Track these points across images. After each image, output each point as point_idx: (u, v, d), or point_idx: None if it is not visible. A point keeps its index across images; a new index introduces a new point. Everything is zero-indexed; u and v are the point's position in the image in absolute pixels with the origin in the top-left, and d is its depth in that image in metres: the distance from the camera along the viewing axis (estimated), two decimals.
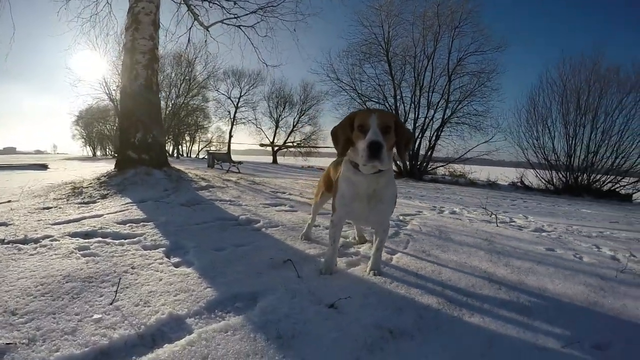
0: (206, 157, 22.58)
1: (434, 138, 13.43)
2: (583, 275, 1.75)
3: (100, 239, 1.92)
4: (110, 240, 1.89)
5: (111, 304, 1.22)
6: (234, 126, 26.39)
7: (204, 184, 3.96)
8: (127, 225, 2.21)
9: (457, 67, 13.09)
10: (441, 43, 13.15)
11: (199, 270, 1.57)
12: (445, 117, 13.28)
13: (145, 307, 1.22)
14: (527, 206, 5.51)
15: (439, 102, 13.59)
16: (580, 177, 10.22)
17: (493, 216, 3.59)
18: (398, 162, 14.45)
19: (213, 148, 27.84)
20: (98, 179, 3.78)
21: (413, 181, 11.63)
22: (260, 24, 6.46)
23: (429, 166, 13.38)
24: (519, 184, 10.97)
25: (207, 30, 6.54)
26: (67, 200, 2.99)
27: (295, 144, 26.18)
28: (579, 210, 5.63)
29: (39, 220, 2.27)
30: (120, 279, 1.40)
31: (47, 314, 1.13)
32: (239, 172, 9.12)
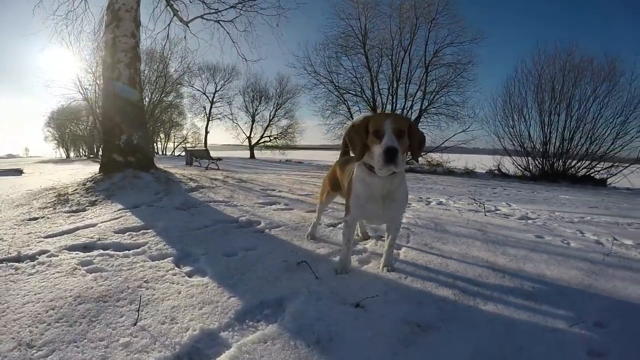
0: (182, 154, 21.94)
1: None
2: (574, 260, 1.92)
3: (101, 251, 1.84)
4: (113, 252, 1.82)
5: (135, 324, 1.19)
6: (210, 122, 26.22)
7: (193, 184, 3.85)
8: (127, 234, 2.13)
9: (433, 59, 13.49)
10: (418, 35, 13.48)
11: (216, 278, 1.56)
12: (423, 107, 13.65)
13: (172, 324, 1.19)
14: (508, 194, 5.85)
15: (416, 93, 13.94)
16: (556, 164, 10.76)
17: (481, 206, 3.79)
18: None
19: (189, 145, 27.33)
20: (83, 184, 3.59)
21: None
22: (240, 19, 6.31)
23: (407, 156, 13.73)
24: (496, 171, 11.50)
25: (187, 26, 6.33)
26: (54, 209, 2.83)
27: (272, 138, 26.24)
28: (558, 196, 6.02)
29: (28, 234, 2.12)
30: (140, 296, 1.34)
31: (69, 343, 1.08)
32: (218, 169, 8.90)
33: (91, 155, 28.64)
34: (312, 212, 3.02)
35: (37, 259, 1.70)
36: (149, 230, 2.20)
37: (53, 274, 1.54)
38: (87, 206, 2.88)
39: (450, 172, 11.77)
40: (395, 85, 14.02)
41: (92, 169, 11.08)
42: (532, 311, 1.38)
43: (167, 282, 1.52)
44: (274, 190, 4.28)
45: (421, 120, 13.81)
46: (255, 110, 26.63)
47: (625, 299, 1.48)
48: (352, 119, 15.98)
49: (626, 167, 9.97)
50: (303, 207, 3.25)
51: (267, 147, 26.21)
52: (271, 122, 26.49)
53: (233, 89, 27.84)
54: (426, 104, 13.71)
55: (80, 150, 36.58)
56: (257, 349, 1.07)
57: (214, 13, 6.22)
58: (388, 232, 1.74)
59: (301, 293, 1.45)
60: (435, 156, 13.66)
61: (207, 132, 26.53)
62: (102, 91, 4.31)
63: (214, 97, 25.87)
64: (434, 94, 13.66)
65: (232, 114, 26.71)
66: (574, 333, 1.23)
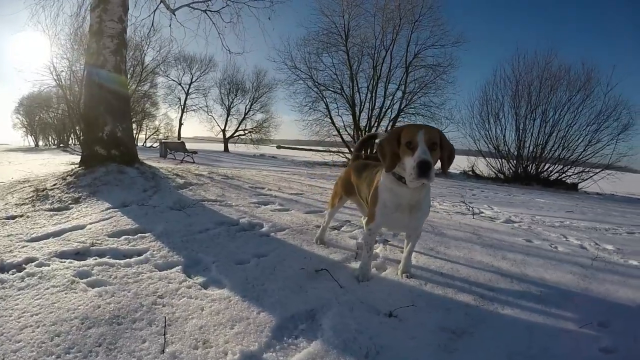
0: (155, 146, 20.91)
1: (389, 127, 14.10)
2: (567, 265, 2.11)
3: (97, 259, 1.69)
4: (113, 261, 1.68)
5: (163, 351, 1.09)
6: (185, 113, 26.07)
7: (181, 181, 3.64)
8: (122, 238, 1.97)
9: (414, 60, 13.82)
10: (400, 35, 13.69)
11: (237, 291, 1.50)
12: (402, 107, 13.98)
13: (207, 348, 1.11)
14: (487, 196, 6.24)
15: (395, 92, 14.24)
16: (529, 167, 11.49)
17: (469, 209, 3.99)
18: (352, 149, 14.96)
19: (161, 136, 26.47)
20: (63, 178, 3.28)
21: None
22: (227, 9, 6.12)
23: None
24: (470, 172, 12.08)
25: (173, 14, 6.00)
26: (33, 206, 2.56)
27: (246, 132, 26.27)
28: (534, 199, 6.49)
29: (9, 236, 1.90)
30: (165, 317, 1.22)
31: None
32: (194, 162, 8.51)
33: (61, 145, 27.33)
34: (311, 214, 2.99)
35: (25, 268, 1.52)
36: (147, 234, 2.05)
37: (48, 288, 1.37)
38: (71, 204, 2.65)
39: None
40: (375, 84, 14.23)
41: (63, 159, 10.15)
42: (545, 314, 1.49)
43: (184, 296, 1.41)
44: (263, 188, 4.17)
45: (399, 120, 14.16)
46: (231, 103, 26.48)
47: (618, 301, 1.66)
48: (330, 116, 15.99)
49: (596, 173, 10.83)
50: (299, 207, 3.20)
51: (254, 142, 26.17)
52: (246, 116, 26.44)
53: (209, 80, 27.82)
54: (405, 103, 14.07)
55: (50, 138, 36.17)
56: None
57: (201, 2, 5.96)
58: (408, 240, 1.77)
59: (331, 304, 1.43)
60: None
61: (181, 124, 26.30)
62: (84, 79, 4.01)
63: (189, 88, 25.71)
64: (413, 94, 14.04)
65: (207, 106, 26.54)
66: (584, 333, 1.36)
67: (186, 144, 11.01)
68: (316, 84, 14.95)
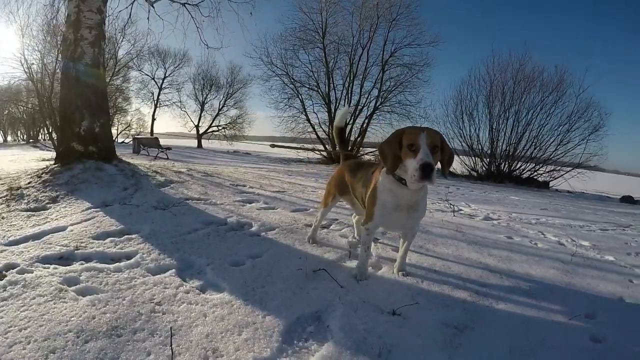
0: (127, 141, 20.06)
1: (365, 124, 14.32)
2: (548, 261, 2.25)
3: (84, 263, 1.59)
4: (101, 265, 1.58)
5: None
6: (157, 109, 25.59)
7: (161, 179, 3.49)
8: (108, 240, 1.86)
9: (390, 58, 14.05)
10: (378, 33, 13.88)
11: (237, 294, 1.47)
12: (377, 105, 14.22)
13: (218, 357, 1.09)
14: (463, 193, 6.51)
15: (371, 90, 14.44)
16: (502, 165, 11.94)
17: (450, 207, 4.15)
18: (327, 146, 15.07)
19: (133, 132, 25.70)
20: (38, 176, 3.07)
21: None
22: (205, 3, 6.00)
23: (359, 152, 14.24)
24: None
25: (152, 6, 5.83)
26: (8, 205, 2.39)
27: (220, 128, 26.29)
28: (509, 197, 6.81)
29: None
30: (171, 327, 1.15)
31: None
32: (168, 159, 8.15)
33: (30, 140, 26.37)
34: (297, 212, 2.98)
35: (6, 276, 1.40)
36: (133, 236, 1.95)
37: (34, 298, 1.25)
38: (48, 203, 2.49)
39: None
40: (351, 81, 14.37)
41: (33, 154, 9.30)
42: (536, 307, 1.60)
43: (183, 302, 1.35)
44: (244, 185, 4.09)
45: (374, 117, 14.41)
46: (205, 98, 26.30)
47: (600, 294, 1.81)
48: (306, 113, 15.96)
49: (568, 171, 11.42)
50: (284, 206, 3.17)
51: (228, 138, 26.13)
52: (220, 112, 26.33)
53: (183, 75, 26.82)
54: (380, 101, 14.33)
55: (19, 133, 35.68)
56: None
57: None
58: (404, 238, 1.81)
59: (335, 304, 1.44)
60: None
61: (153, 119, 25.78)
62: (61, 72, 3.80)
63: (162, 82, 25.44)
64: (388, 92, 14.33)
65: (180, 102, 26.31)
66: (575, 324, 1.47)
67: (160, 140, 10.63)
68: (292, 80, 14.89)
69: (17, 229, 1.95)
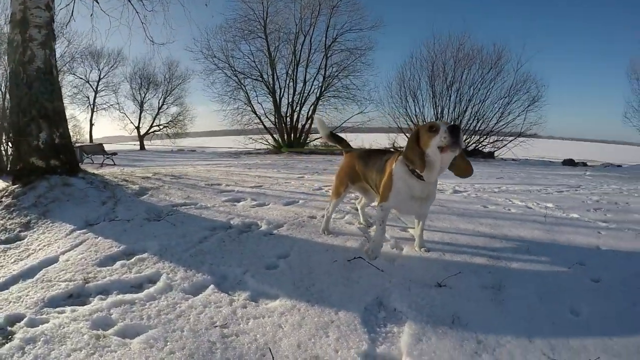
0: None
1: (311, 111, 14.41)
2: (529, 223, 2.64)
3: (104, 298, 1.40)
4: (128, 297, 1.42)
5: None
6: (94, 113, 24.86)
7: (135, 187, 3.17)
8: (118, 265, 1.69)
9: (333, 44, 14.21)
10: (319, 20, 13.89)
11: (295, 297, 1.46)
12: (322, 91, 14.38)
13: None
14: None
15: (315, 76, 14.53)
16: None
17: None
18: (275, 135, 14.86)
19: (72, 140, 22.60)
20: None
21: (296, 154, 12.16)
22: None
23: (307, 138, 14.38)
24: (391, 149, 13.27)
25: (97, 2, 5.30)
26: None
27: (161, 127, 25.99)
28: None
29: None
30: (269, 348, 1.10)
31: None
32: (115, 164, 7.28)
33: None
34: (291, 205, 2.97)
35: (16, 332, 1.13)
36: (143, 255, 1.78)
37: (69, 355, 1.04)
38: (22, 231, 2.17)
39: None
40: (295, 69, 14.27)
41: None
42: (541, 262, 1.90)
43: (248, 318, 1.31)
44: (219, 184, 3.89)
45: (320, 103, 14.61)
46: (144, 98, 25.89)
47: (580, 245, 2.19)
48: (251, 104, 15.52)
49: (510, 141, 12.75)
50: (273, 200, 3.12)
51: (170, 137, 26.06)
52: (160, 110, 25.93)
53: (119, 75, 26.47)
54: (325, 87, 14.53)
55: None
56: (426, 351, 1.08)
57: None
58: (419, 219, 1.99)
59: (387, 287, 1.55)
60: None
61: (92, 125, 24.77)
62: (9, 78, 3.38)
63: (97, 85, 24.66)
64: (332, 77, 14.58)
65: (118, 103, 25.74)
66: (574, 271, 1.80)
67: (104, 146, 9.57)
68: (235, 72, 14.31)
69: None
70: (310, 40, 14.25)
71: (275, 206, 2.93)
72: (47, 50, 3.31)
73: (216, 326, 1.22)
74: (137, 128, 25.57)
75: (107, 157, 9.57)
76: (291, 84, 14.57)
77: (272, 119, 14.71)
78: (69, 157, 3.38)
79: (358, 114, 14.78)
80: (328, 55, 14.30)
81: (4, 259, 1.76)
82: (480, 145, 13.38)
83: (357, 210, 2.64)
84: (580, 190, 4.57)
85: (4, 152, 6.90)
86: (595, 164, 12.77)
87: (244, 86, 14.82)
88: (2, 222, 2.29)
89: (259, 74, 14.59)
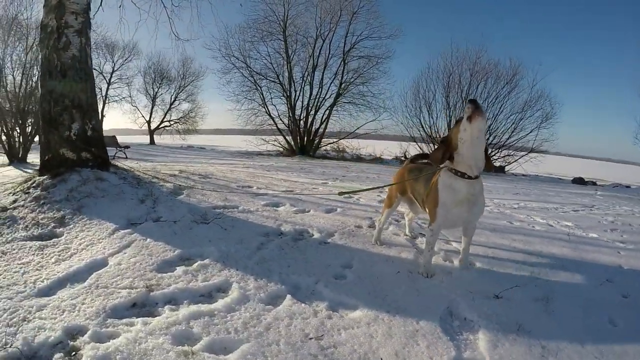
0: None
1: (326, 115, 14.59)
2: (555, 241, 2.87)
3: (175, 309, 1.33)
4: (204, 308, 1.39)
5: None
6: (106, 105, 24.77)
7: (169, 185, 3.28)
8: (180, 271, 1.70)
9: (351, 50, 14.43)
10: (339, 25, 14.15)
11: (376, 307, 1.56)
12: (338, 96, 14.56)
13: None
14: None
15: (332, 81, 14.72)
16: None
17: None
18: (287, 138, 14.99)
19: None
20: (24, 191, 2.57)
21: (309, 158, 12.28)
22: None
23: (320, 143, 14.54)
24: (402, 158, 13.47)
25: None
26: (0, 234, 1.98)
27: (172, 122, 26.77)
28: None
29: (8, 289, 1.39)
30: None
31: None
32: (127, 158, 7.33)
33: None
34: (332, 213, 3.12)
35: (81, 348, 1.01)
36: (205, 261, 1.85)
37: None
38: (56, 227, 2.14)
39: (359, 159, 13.16)
40: (312, 73, 14.47)
41: None
42: (577, 278, 2.11)
43: (339, 329, 1.37)
44: (250, 187, 4.06)
45: (335, 109, 14.77)
46: (156, 92, 26.37)
47: (605, 264, 2.40)
48: (266, 105, 15.69)
49: (521, 156, 13.04)
50: (314, 207, 3.28)
51: (181, 133, 26.46)
52: (172, 106, 26.60)
53: (132, 69, 26.49)
54: (341, 93, 14.67)
55: None
56: (504, 355, 1.26)
57: None
58: (465, 234, 2.12)
59: (453, 298, 1.72)
60: (345, 142, 14.86)
61: (103, 116, 24.62)
62: (41, 66, 3.27)
63: (111, 77, 24.57)
64: (349, 83, 14.74)
65: (130, 97, 25.86)
66: (605, 287, 2.01)
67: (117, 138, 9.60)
68: (252, 72, 14.50)
69: (37, 269, 1.60)
70: (329, 45, 14.47)
71: (317, 213, 3.08)
72: (83, 39, 3.22)
73: (311, 338, 1.25)
74: (148, 122, 25.92)
75: (120, 150, 9.43)
76: (307, 87, 14.80)
77: (286, 121, 14.89)
78: (100, 151, 3.35)
79: (372, 121, 14.92)
80: (346, 61, 14.54)
81: (42, 257, 1.69)
82: (492, 159, 13.52)
83: (397, 221, 2.79)
84: (594, 210, 4.82)
85: (16, 139, 6.94)
86: (604, 183, 13.04)
87: (260, 87, 15.00)
88: (32, 215, 2.24)
89: (275, 75, 14.79)
